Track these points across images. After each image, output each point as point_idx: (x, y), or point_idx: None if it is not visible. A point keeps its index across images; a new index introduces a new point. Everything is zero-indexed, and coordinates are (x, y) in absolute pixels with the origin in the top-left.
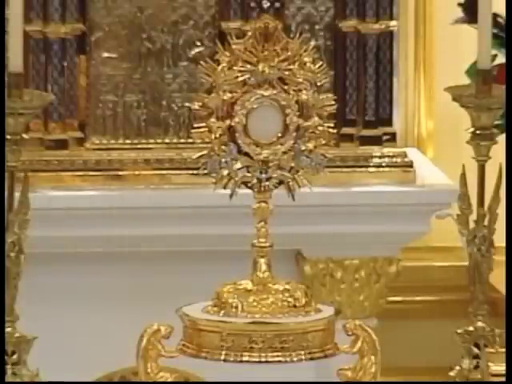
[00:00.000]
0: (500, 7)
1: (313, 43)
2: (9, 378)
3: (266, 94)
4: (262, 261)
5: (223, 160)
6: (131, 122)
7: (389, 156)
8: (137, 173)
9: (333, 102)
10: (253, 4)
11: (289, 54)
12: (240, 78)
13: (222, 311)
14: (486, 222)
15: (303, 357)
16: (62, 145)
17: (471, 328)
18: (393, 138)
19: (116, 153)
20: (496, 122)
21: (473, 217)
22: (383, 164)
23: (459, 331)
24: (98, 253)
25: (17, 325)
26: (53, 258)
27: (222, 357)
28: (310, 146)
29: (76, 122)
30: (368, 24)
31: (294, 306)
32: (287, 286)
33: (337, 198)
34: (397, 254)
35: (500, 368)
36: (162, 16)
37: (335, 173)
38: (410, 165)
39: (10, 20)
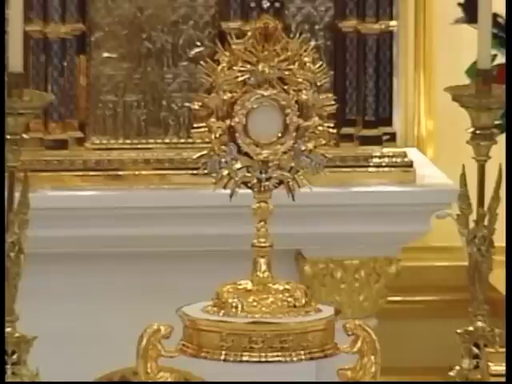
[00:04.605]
0: (500, 7)
1: (313, 43)
2: (9, 377)
3: (266, 94)
4: (262, 261)
5: (223, 160)
6: (131, 122)
7: (389, 156)
8: (137, 173)
9: (333, 102)
10: (253, 4)
11: (289, 54)
12: (240, 78)
13: (222, 311)
14: (486, 222)
15: (303, 357)
16: (61, 145)
17: (471, 328)
18: (393, 138)
19: (116, 153)
20: (496, 122)
21: (473, 217)
22: (383, 164)
23: (459, 331)
24: (98, 253)
25: (17, 325)
26: (53, 258)
27: (222, 357)
28: (310, 146)
29: (76, 122)
30: (368, 24)
31: (294, 306)
32: (287, 286)
33: (337, 198)
34: (397, 254)
35: (500, 368)
36: (162, 16)
37: (335, 173)
38: (410, 165)
39: (9, 20)
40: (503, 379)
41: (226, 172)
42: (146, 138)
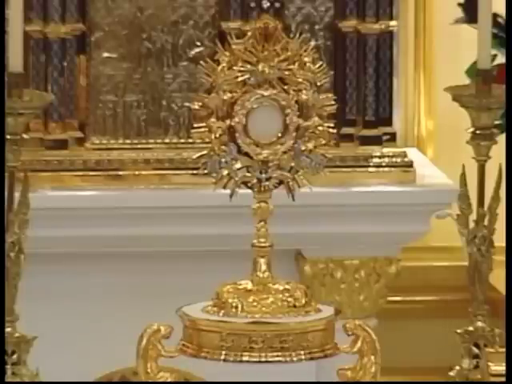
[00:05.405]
0: (500, 7)
1: (313, 43)
2: (9, 377)
3: (266, 94)
4: (262, 261)
5: (223, 160)
6: (131, 122)
7: (389, 156)
8: (137, 173)
9: (333, 102)
10: (253, 4)
11: (289, 54)
12: (240, 78)
13: (222, 311)
14: (486, 222)
15: (303, 357)
16: (61, 145)
17: (471, 328)
18: (393, 138)
19: (116, 153)
20: (496, 122)
21: (473, 217)
22: (383, 164)
23: (459, 331)
24: (99, 253)
25: (17, 325)
26: (53, 258)
27: (222, 357)
28: (310, 146)
29: (76, 121)
30: (368, 24)
31: (294, 306)
32: (287, 286)
33: (337, 198)
34: (397, 254)
35: (500, 368)
36: (162, 16)
37: (335, 173)
38: (410, 165)
39: (10, 20)
40: (503, 379)
41: (225, 172)
42: (146, 137)
